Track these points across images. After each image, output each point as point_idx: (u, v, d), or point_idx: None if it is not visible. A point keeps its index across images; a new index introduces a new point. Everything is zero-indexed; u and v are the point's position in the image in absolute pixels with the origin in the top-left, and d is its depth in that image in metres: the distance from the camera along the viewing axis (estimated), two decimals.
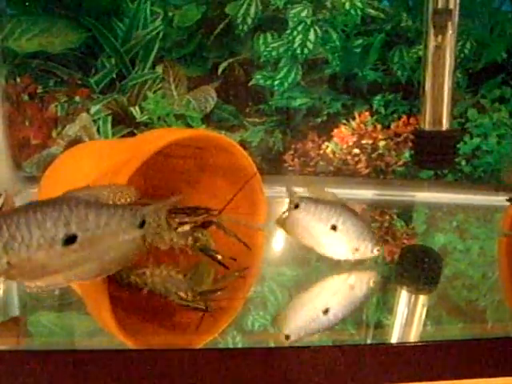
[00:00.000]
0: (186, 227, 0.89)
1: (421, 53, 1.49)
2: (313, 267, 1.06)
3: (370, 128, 1.55)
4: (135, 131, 1.53)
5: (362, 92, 1.54)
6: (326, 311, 0.87)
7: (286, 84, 1.53)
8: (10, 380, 0.69)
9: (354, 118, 1.55)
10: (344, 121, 1.55)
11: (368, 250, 0.97)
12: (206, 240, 0.91)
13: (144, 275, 0.85)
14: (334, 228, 0.96)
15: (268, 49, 1.52)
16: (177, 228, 0.87)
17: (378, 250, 0.97)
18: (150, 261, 0.85)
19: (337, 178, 1.54)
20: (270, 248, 1.16)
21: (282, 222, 0.98)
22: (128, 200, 0.77)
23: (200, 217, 0.90)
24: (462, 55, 1.52)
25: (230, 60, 1.53)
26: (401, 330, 0.83)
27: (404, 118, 1.55)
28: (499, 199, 1.44)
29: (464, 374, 0.73)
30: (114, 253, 0.75)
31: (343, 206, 0.97)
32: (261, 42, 1.52)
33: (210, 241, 0.91)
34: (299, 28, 1.51)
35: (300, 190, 0.97)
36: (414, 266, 1.08)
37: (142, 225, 0.76)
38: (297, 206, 0.97)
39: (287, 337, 0.78)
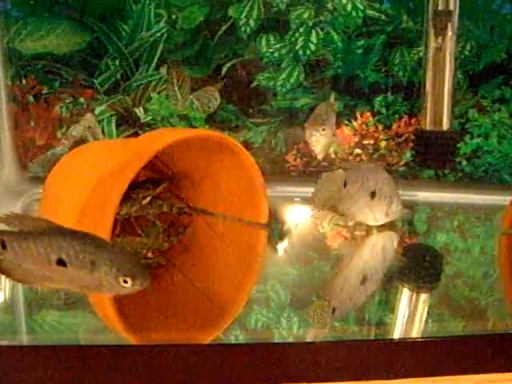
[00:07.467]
0: (148, 198, 1.03)
1: (421, 54, 1.50)
2: (315, 265, 1.06)
3: (371, 128, 1.55)
4: (139, 132, 1.53)
5: (363, 93, 1.55)
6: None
7: (288, 85, 1.54)
8: (15, 375, 0.70)
9: (355, 119, 1.56)
10: (346, 121, 1.56)
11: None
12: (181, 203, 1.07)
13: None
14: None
15: (270, 50, 1.53)
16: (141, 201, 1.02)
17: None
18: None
19: None
20: (271, 247, 1.17)
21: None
22: None
23: (158, 188, 1.03)
24: (463, 56, 1.52)
25: (233, 61, 1.53)
26: (403, 327, 0.84)
27: (405, 118, 1.56)
28: (499, 198, 1.45)
29: (464, 369, 0.74)
30: None
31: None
32: (263, 43, 1.53)
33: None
34: (301, 30, 1.52)
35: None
36: (415, 264, 1.09)
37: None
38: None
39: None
